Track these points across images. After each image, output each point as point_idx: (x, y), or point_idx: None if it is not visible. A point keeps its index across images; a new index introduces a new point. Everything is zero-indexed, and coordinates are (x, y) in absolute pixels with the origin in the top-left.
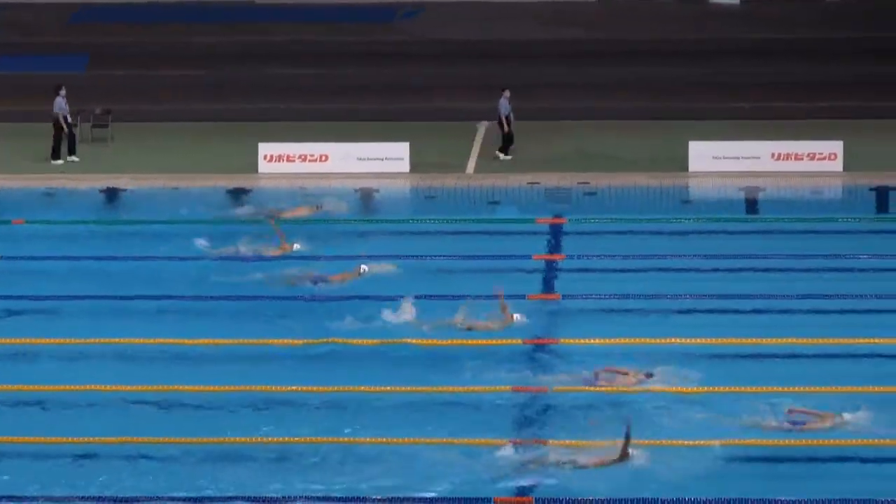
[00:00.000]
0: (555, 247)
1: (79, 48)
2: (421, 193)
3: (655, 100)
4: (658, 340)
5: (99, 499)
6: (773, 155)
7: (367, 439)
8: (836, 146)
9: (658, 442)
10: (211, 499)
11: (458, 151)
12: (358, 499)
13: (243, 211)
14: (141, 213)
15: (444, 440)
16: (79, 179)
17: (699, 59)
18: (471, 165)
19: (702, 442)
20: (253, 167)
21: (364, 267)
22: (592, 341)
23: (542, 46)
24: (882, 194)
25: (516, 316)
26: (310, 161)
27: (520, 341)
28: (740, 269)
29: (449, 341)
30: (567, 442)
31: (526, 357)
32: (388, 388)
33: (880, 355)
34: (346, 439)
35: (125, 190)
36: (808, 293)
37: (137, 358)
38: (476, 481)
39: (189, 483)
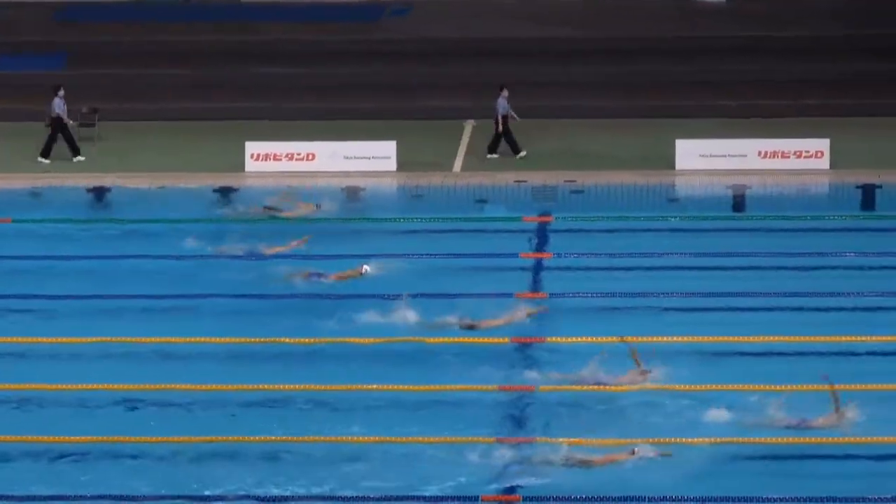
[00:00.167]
0: (542, 245)
1: (62, 47)
2: (408, 192)
3: (642, 98)
4: (645, 339)
5: (89, 498)
6: (759, 153)
7: (356, 438)
8: (823, 144)
9: (650, 440)
10: (202, 498)
11: (446, 150)
12: (345, 498)
13: (232, 209)
14: (127, 212)
15: (431, 438)
16: (65, 178)
17: (686, 58)
18: (458, 164)
19: (693, 440)
20: (240, 166)
21: (366, 267)
22: (579, 339)
23: (529, 45)
24: (868, 192)
25: (518, 315)
26: (297, 160)
27: (506, 340)
28: (727, 268)
29: (436, 339)
30: (554, 439)
31: (513, 355)
32: (376, 386)
33: (868, 353)
34: (334, 438)
35: (111, 189)
36: (794, 291)
37: (126, 357)
38: (464, 479)
39: (180, 482)
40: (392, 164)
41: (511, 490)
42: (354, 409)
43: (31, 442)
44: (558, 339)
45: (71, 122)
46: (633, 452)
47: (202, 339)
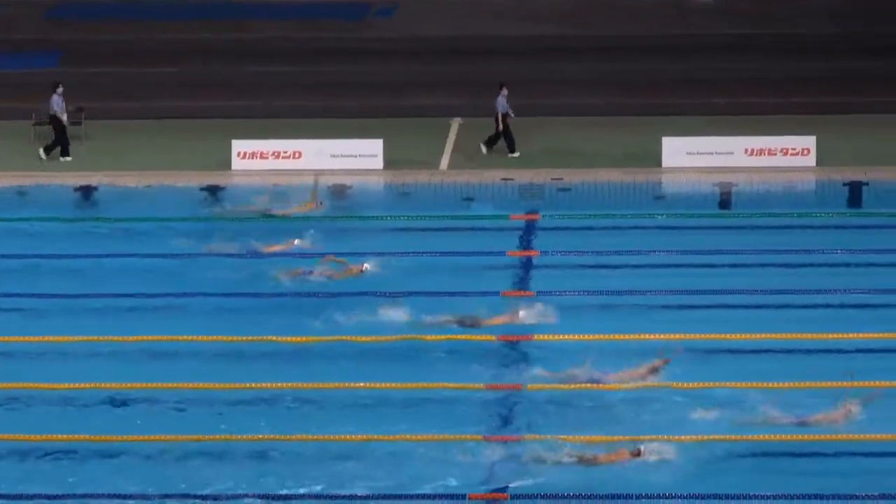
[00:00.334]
0: (529, 243)
1: (53, 45)
2: (395, 190)
3: (629, 96)
4: (633, 336)
5: (76, 496)
6: (746, 150)
7: (344, 436)
8: (810, 141)
9: (639, 438)
10: (190, 496)
11: (432, 148)
12: (334, 496)
13: (219, 207)
14: (115, 210)
15: (419, 437)
16: (52, 177)
17: (672, 56)
18: (444, 162)
19: (684, 437)
20: (226, 164)
21: (366, 265)
22: (567, 337)
23: (516, 43)
24: (855, 189)
25: (521, 313)
26: (283, 158)
27: (494, 338)
28: (714, 265)
29: (423, 337)
30: (542, 437)
31: (500, 354)
32: (364, 384)
33: (856, 350)
34: (322, 437)
35: (98, 188)
36: (781, 288)
37: (114, 355)
38: (451, 478)
39: (167, 481)
40: (379, 163)
41: (499, 488)
42: (342, 407)
43: (18, 441)
44: (546, 336)
45: (65, 120)
46: (639, 452)
47: (189, 337)
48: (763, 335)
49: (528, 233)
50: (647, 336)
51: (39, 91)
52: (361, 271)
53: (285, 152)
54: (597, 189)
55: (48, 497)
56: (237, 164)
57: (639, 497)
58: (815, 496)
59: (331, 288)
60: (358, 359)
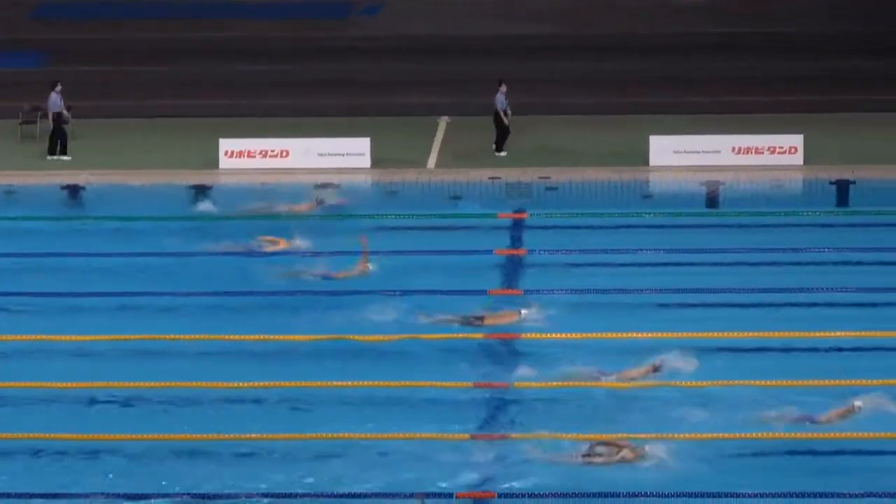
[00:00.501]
0: (516, 242)
1: (39, 44)
2: (382, 189)
3: (616, 94)
4: (620, 335)
5: (63, 495)
6: (733, 149)
7: (330, 435)
8: (797, 140)
9: (629, 436)
10: (177, 495)
11: (420, 146)
12: (320, 495)
13: (206, 206)
14: (102, 209)
15: (406, 435)
16: (38, 176)
17: (659, 54)
18: (432, 160)
19: (674, 436)
20: (214, 163)
21: (369, 264)
22: (554, 336)
23: (502, 42)
24: (842, 187)
25: (523, 311)
26: (270, 157)
27: (481, 336)
28: (701, 264)
29: (410, 336)
30: (530, 435)
31: (488, 352)
32: (351, 383)
33: (842, 349)
34: (308, 435)
35: (85, 186)
36: (768, 286)
37: (101, 354)
38: (438, 476)
39: (154, 480)
40: (366, 161)
41: (486, 487)
42: (329, 406)
43: (5, 440)
44: (533, 335)
45: (66, 117)
46: (643, 451)
47: (177, 336)
48: (751, 333)
49: (515, 231)
50: (634, 335)
51: (26, 90)
52: (364, 271)
53: (273, 151)
54: (584, 188)
55: (35, 496)
56: (225, 162)
57: (627, 496)
58: (813, 495)
59: (318, 287)
60: (345, 357)
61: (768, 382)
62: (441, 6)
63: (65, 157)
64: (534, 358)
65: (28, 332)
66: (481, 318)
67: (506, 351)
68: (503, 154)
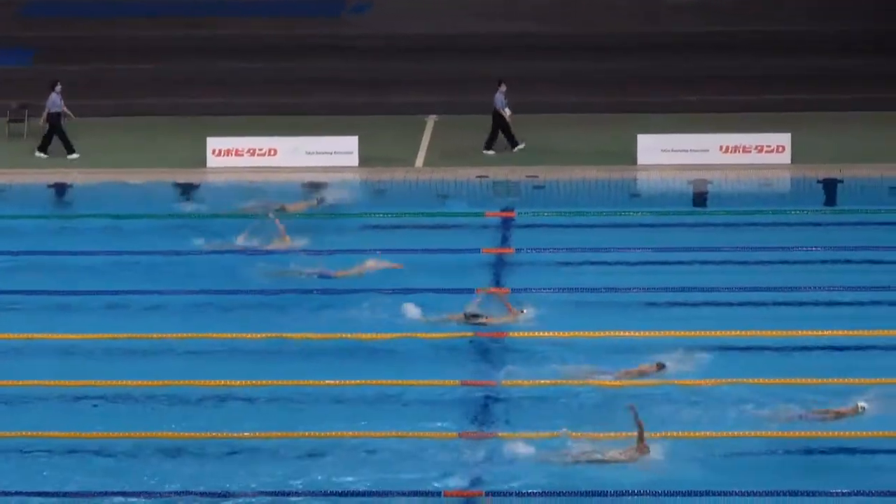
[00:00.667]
0: (504, 240)
1: (28, 42)
2: (370, 187)
3: (604, 93)
4: (607, 333)
5: (50, 495)
6: (721, 148)
7: (318, 433)
8: (784, 138)
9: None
10: (164, 494)
11: (407, 145)
12: (308, 493)
13: (194, 205)
14: (90, 207)
15: (394, 433)
16: (26, 174)
17: (647, 53)
18: (420, 159)
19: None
20: (201, 161)
21: (372, 262)
22: (541, 335)
23: (491, 40)
24: (830, 186)
25: (525, 311)
26: (258, 155)
27: (469, 335)
28: (688, 262)
29: (399, 335)
30: (517, 434)
31: (475, 351)
32: (339, 381)
33: (828, 347)
34: (296, 434)
35: (73, 185)
36: (755, 285)
37: (87, 353)
38: (426, 474)
39: (141, 478)
40: (354, 160)
41: (475, 485)
42: (317, 404)
43: None
44: (520, 333)
45: (65, 116)
46: (648, 449)
47: (165, 334)
48: (740, 332)
49: (503, 230)
50: (621, 333)
51: (14, 88)
52: (364, 271)
53: (260, 149)
54: (572, 186)
55: (22, 494)
56: (212, 161)
57: (615, 494)
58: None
59: (306, 286)
60: (333, 356)
61: (758, 381)
62: (430, 5)
63: (73, 155)
64: (522, 356)
65: (16, 330)
66: (483, 318)
67: (494, 349)
68: (491, 153)
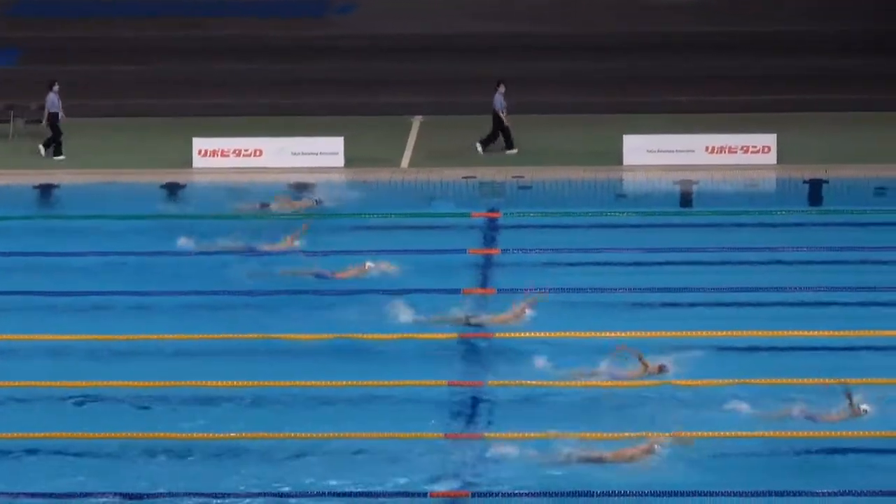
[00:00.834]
0: (490, 241)
1: (14, 42)
2: (356, 188)
3: (590, 94)
4: (593, 334)
5: (38, 495)
6: (707, 148)
7: (304, 434)
8: (770, 139)
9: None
10: (150, 495)
11: (393, 146)
12: (293, 494)
13: (181, 205)
14: (76, 208)
15: (380, 434)
16: (12, 175)
17: (633, 54)
18: (406, 160)
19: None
20: (187, 162)
21: (369, 264)
22: (527, 335)
23: (477, 41)
24: (815, 186)
25: (527, 311)
26: (244, 156)
27: (455, 336)
28: (674, 263)
29: (384, 336)
30: (504, 434)
31: (461, 351)
32: (324, 382)
33: (814, 348)
34: (282, 434)
35: (59, 185)
36: (741, 285)
37: (73, 353)
38: (412, 475)
39: (127, 479)
40: (340, 160)
41: (460, 486)
42: (303, 405)
43: None
44: (507, 334)
45: (62, 116)
46: (653, 448)
47: (150, 335)
48: (725, 332)
49: (489, 231)
50: (607, 334)
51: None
52: (366, 270)
53: (246, 150)
54: (558, 187)
55: (6, 494)
56: (198, 161)
57: (601, 495)
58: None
59: (291, 286)
60: (319, 356)
61: (746, 381)
62: (415, 5)
63: (60, 157)
64: (508, 357)
65: (3, 331)
66: (484, 318)
67: (480, 350)
68: (480, 151)
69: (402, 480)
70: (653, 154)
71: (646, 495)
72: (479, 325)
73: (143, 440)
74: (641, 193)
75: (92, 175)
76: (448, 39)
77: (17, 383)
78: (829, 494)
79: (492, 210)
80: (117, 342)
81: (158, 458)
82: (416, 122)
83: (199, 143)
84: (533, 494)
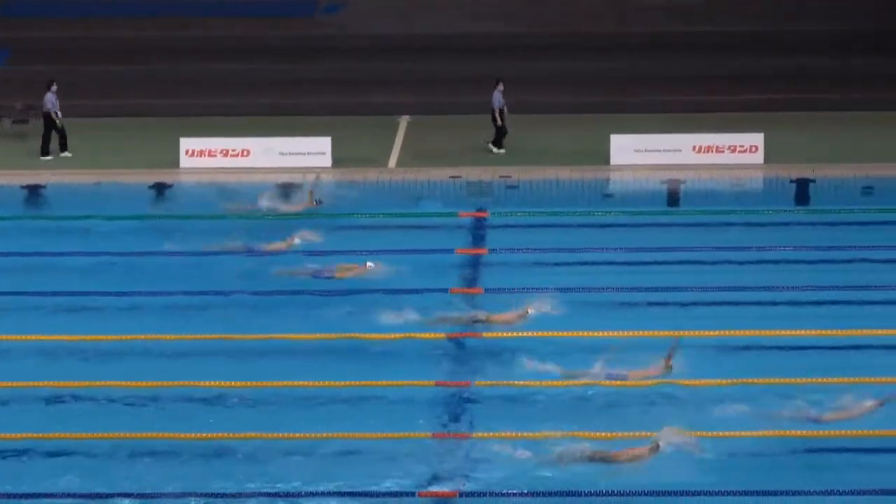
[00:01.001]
0: (477, 241)
1: (2, 42)
2: (343, 188)
3: (577, 93)
4: (580, 333)
5: (27, 496)
6: (694, 147)
7: (292, 434)
8: (757, 138)
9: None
10: (139, 495)
11: (381, 146)
12: (282, 494)
13: (168, 205)
14: (63, 208)
15: (367, 434)
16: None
17: (620, 53)
18: (393, 160)
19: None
20: (175, 162)
21: (370, 263)
22: (515, 335)
23: (464, 41)
24: (802, 186)
25: (530, 309)
26: (231, 156)
27: (443, 336)
28: (662, 262)
29: (371, 336)
30: (492, 434)
31: (448, 351)
32: (312, 382)
33: (801, 347)
34: (270, 434)
35: (46, 186)
36: (728, 285)
37: (59, 353)
38: (400, 475)
39: (115, 480)
40: (327, 160)
41: (448, 486)
42: (290, 405)
43: None
44: (494, 334)
45: (60, 116)
46: (658, 447)
47: (139, 336)
48: (710, 332)
49: (476, 230)
50: (594, 333)
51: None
52: (367, 269)
53: (233, 150)
54: (545, 186)
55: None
56: (185, 161)
57: (589, 495)
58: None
59: (280, 286)
60: (306, 356)
61: (735, 381)
62: (402, 5)
63: (67, 154)
64: (494, 356)
65: None
66: (485, 318)
67: (468, 350)
68: (502, 152)
69: (390, 480)
70: (640, 153)
71: (630, 495)
72: (482, 325)
73: (132, 440)
74: (629, 193)
75: (78, 175)
76: (435, 40)
77: (4, 384)
78: (830, 494)
79: (479, 210)
80: (108, 342)
81: (148, 458)
82: (404, 121)
83: (186, 144)
84: (522, 494)
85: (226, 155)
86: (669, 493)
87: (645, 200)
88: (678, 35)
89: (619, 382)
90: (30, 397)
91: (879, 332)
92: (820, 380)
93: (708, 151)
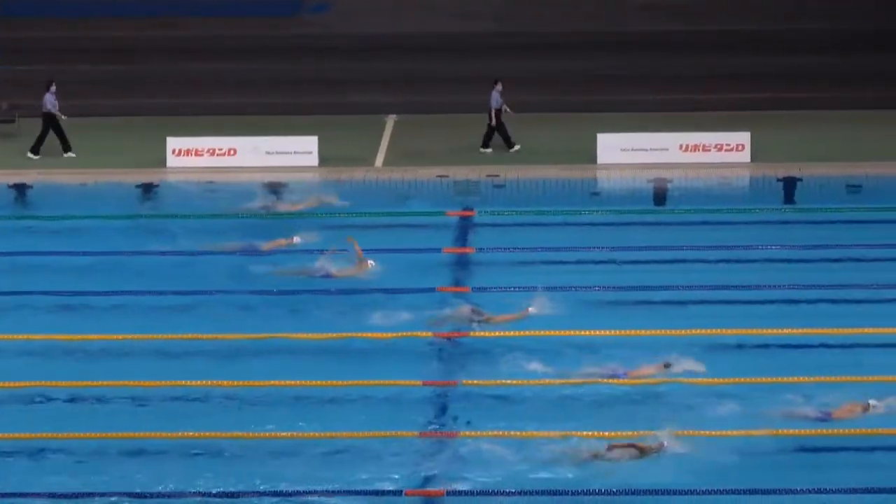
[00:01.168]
0: (464, 240)
1: None
2: (330, 187)
3: (564, 92)
4: (567, 332)
5: (16, 495)
6: (681, 146)
7: (280, 434)
8: (744, 137)
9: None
10: (129, 495)
11: (367, 145)
12: (270, 493)
13: (156, 205)
14: (50, 208)
15: (355, 433)
16: None
17: (607, 52)
18: (380, 159)
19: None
20: (161, 162)
21: (371, 262)
22: (502, 334)
23: (451, 39)
24: (789, 185)
25: (531, 309)
26: (218, 155)
27: (430, 335)
28: (649, 261)
29: (358, 335)
30: (479, 433)
31: (436, 350)
32: (298, 382)
33: (789, 345)
34: (258, 434)
35: (33, 185)
36: (715, 284)
37: (48, 353)
38: (388, 474)
39: (106, 479)
40: (314, 160)
41: (435, 485)
42: (278, 405)
43: None
44: (481, 333)
45: (64, 117)
46: (661, 445)
47: (125, 336)
48: (697, 331)
49: (463, 229)
50: (582, 332)
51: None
52: (368, 268)
53: (220, 149)
54: (532, 185)
55: None
56: (172, 161)
57: (576, 493)
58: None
59: (267, 286)
60: (293, 356)
61: (723, 380)
62: (389, 3)
63: (71, 154)
64: (481, 355)
65: None
66: (486, 318)
67: (455, 349)
68: (489, 151)
69: (378, 479)
70: (627, 152)
71: (616, 494)
72: (483, 325)
73: (118, 440)
74: (616, 192)
75: (64, 175)
76: (422, 39)
77: None
78: (824, 492)
79: (466, 209)
80: (96, 342)
81: (136, 457)
82: (390, 121)
83: (172, 143)
84: (508, 493)
85: (212, 154)
86: (652, 493)
87: (632, 199)
88: (665, 34)
89: (611, 381)
90: (18, 397)
91: (868, 330)
92: (809, 378)
93: (695, 150)
